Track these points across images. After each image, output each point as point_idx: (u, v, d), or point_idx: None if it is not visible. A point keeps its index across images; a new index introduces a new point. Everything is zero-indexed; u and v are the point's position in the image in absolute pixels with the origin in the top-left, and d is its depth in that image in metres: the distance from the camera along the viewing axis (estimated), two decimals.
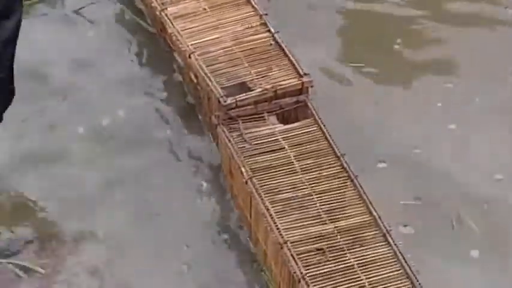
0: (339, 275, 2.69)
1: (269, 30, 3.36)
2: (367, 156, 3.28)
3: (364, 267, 2.72)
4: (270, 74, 3.18)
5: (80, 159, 3.31)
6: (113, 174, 3.26)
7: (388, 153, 3.33)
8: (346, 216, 2.85)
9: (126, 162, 3.30)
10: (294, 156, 3.02)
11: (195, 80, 3.36)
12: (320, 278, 2.68)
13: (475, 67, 3.73)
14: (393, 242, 2.76)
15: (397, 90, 3.64)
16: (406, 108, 3.55)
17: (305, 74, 3.13)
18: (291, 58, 3.21)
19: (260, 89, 3.08)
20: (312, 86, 3.13)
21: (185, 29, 3.43)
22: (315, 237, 2.79)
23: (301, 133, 3.10)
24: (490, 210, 3.17)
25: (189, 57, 3.31)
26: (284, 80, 3.14)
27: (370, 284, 2.67)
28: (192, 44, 3.34)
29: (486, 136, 3.43)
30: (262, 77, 3.16)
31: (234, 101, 3.05)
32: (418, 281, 2.66)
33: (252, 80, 3.15)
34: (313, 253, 2.75)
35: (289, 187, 2.93)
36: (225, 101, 3.03)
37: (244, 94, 3.07)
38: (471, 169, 3.30)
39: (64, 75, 3.65)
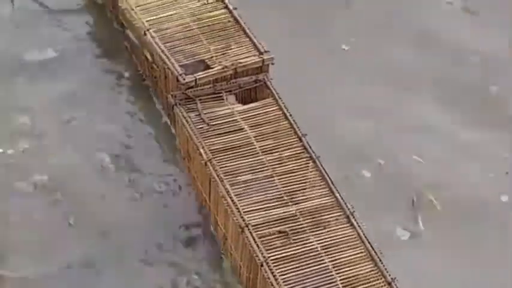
0: (303, 258, 2.63)
1: (227, 7, 3.26)
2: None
3: (327, 250, 2.66)
4: (229, 51, 3.08)
5: None
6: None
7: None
8: (309, 198, 2.79)
9: None
10: (253, 136, 2.94)
11: (150, 59, 3.23)
12: (283, 262, 2.61)
13: None
14: (357, 223, 2.71)
15: None
16: None
17: (265, 51, 3.04)
18: (250, 35, 3.12)
19: (220, 67, 2.98)
20: (272, 63, 3.04)
21: (139, 5, 3.30)
22: (277, 219, 2.72)
23: (261, 113, 3.01)
24: None
25: (144, 34, 3.18)
26: (244, 58, 3.04)
27: (334, 266, 2.61)
28: (147, 21, 3.21)
29: None
30: (221, 54, 3.06)
31: (194, 78, 2.94)
32: (381, 262, 2.61)
33: (211, 57, 3.04)
34: (275, 236, 2.67)
35: (250, 169, 2.85)
36: (184, 79, 2.92)
37: (204, 72, 2.96)
38: None
39: None
